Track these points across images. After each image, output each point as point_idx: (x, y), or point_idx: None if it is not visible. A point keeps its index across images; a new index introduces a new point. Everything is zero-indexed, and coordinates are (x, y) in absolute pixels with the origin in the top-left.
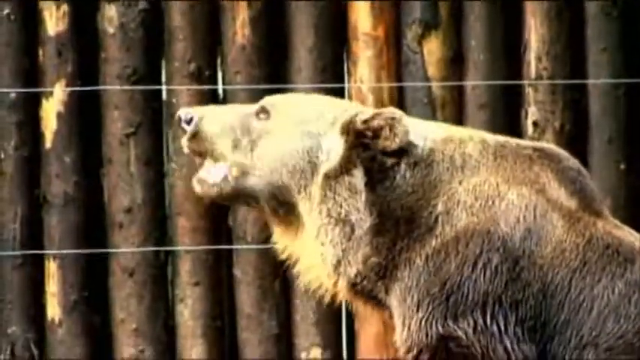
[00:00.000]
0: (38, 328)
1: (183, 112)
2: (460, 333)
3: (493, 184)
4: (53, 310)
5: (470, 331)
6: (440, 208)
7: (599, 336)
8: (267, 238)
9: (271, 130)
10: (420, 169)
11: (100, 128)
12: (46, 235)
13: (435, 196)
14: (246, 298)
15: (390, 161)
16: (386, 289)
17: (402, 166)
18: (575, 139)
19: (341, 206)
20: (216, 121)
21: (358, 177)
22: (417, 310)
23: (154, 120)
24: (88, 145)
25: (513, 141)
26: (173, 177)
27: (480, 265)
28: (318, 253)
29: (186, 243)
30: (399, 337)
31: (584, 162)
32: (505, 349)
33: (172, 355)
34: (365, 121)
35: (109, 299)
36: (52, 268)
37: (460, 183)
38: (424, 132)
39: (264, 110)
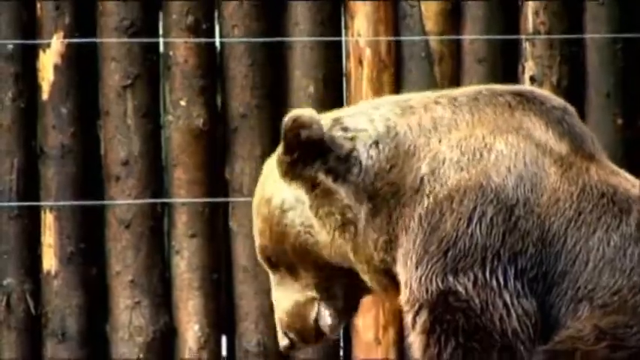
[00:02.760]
0: (34, 279)
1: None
2: (460, 288)
3: (478, 136)
4: (49, 261)
5: (470, 285)
6: (424, 169)
7: (595, 290)
8: None
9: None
10: (385, 144)
11: (97, 80)
12: (43, 187)
13: (417, 160)
14: (243, 250)
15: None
16: (393, 259)
17: (361, 149)
18: (573, 93)
19: (333, 214)
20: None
21: (324, 180)
22: (417, 269)
23: (151, 72)
24: (85, 97)
25: (487, 90)
26: (170, 129)
27: (475, 219)
28: (356, 263)
29: (183, 195)
30: (403, 298)
31: (582, 116)
32: (504, 303)
33: (168, 307)
34: (285, 147)
35: (105, 251)
36: (48, 219)
37: (440, 142)
38: (371, 116)
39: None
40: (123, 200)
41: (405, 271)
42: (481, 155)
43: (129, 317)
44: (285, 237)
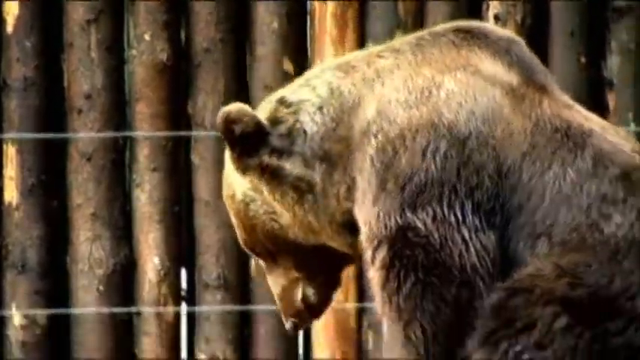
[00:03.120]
0: None
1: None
2: (419, 223)
3: (426, 76)
4: (10, 193)
5: (429, 220)
6: (370, 113)
7: (553, 226)
8: None
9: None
10: (329, 106)
11: (61, 14)
12: (6, 119)
13: (362, 109)
14: (204, 184)
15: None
16: (353, 203)
17: (304, 119)
18: (537, 32)
19: (287, 193)
20: None
21: (270, 162)
22: (374, 206)
23: (115, 6)
24: (49, 31)
25: (429, 34)
26: (133, 63)
27: (428, 154)
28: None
29: (145, 129)
30: (362, 236)
31: (545, 55)
32: (463, 239)
33: (129, 241)
34: (228, 144)
35: (67, 184)
36: (10, 151)
37: (384, 85)
38: (314, 84)
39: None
40: (85, 133)
41: (363, 210)
42: (430, 93)
43: (89, 249)
44: (254, 228)
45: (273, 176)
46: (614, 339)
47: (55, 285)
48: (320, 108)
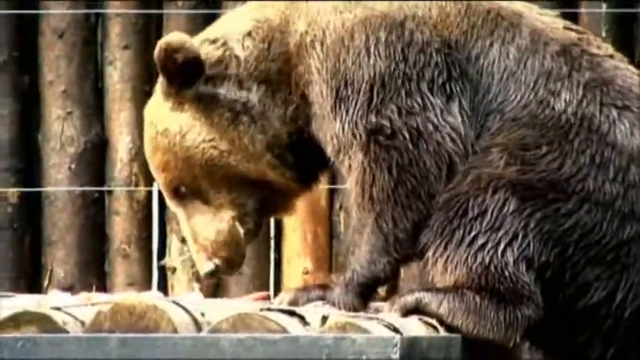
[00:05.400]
0: None
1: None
2: (385, 123)
3: None
4: None
5: (394, 117)
6: (301, 26)
7: (504, 102)
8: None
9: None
10: (257, 30)
11: None
12: None
13: (293, 24)
14: None
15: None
16: (306, 123)
17: (234, 45)
18: None
19: (223, 115)
20: None
21: (206, 90)
22: (336, 119)
23: None
24: None
25: None
26: None
27: (371, 48)
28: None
29: (117, 6)
30: (331, 151)
31: None
32: (433, 124)
33: (100, 118)
34: (167, 78)
35: (39, 60)
36: None
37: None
38: (237, 18)
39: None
40: (57, 10)
41: (325, 126)
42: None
43: (61, 127)
44: (191, 160)
45: (210, 102)
46: (566, 220)
47: (26, 162)
48: (248, 33)
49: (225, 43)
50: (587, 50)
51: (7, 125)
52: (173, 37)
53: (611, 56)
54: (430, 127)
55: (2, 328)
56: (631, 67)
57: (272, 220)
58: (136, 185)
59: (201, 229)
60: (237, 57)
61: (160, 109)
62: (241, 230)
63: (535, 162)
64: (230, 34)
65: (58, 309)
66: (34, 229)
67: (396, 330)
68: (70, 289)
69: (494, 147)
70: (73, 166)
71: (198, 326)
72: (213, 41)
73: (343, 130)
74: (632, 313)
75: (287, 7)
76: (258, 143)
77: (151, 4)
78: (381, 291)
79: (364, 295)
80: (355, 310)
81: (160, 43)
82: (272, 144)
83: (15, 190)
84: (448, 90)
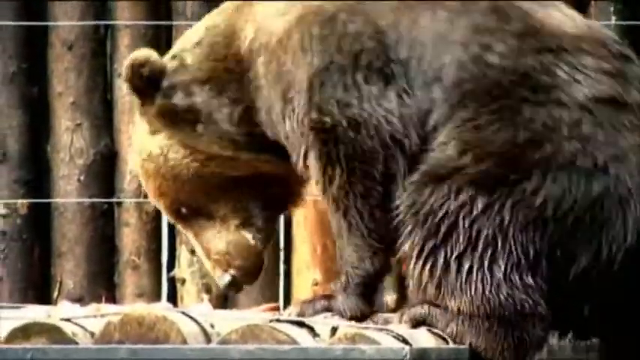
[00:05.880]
0: None
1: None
2: (327, 119)
3: None
4: None
5: (335, 110)
6: (249, 32)
7: (441, 69)
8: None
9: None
10: (206, 38)
11: None
12: None
13: (240, 30)
14: None
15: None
16: (257, 125)
17: (184, 55)
18: None
19: (189, 124)
20: None
21: (166, 104)
22: (284, 119)
23: None
24: None
25: None
26: None
27: (306, 45)
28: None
29: (126, 18)
30: (290, 150)
31: None
32: (367, 112)
33: (109, 129)
34: (140, 97)
35: (48, 72)
36: None
37: (252, 6)
38: (192, 31)
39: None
40: (66, 21)
41: (279, 127)
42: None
43: (70, 139)
44: (179, 178)
45: (171, 116)
46: (535, 198)
47: (35, 174)
48: (198, 43)
49: (179, 56)
50: (518, 5)
51: (17, 136)
52: (138, 52)
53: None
54: (365, 114)
55: (12, 339)
56: (565, 9)
57: (281, 232)
58: (145, 197)
59: (211, 244)
60: (184, 64)
61: (141, 135)
62: (249, 235)
63: (488, 142)
64: (185, 46)
65: (68, 320)
66: (44, 240)
67: (405, 341)
68: (80, 300)
69: (446, 137)
70: (82, 177)
71: (207, 337)
72: (173, 56)
73: (293, 131)
74: (620, 263)
75: (235, 12)
76: (224, 145)
77: (161, 16)
78: (390, 302)
79: (365, 295)
80: (362, 311)
81: (127, 62)
82: (239, 144)
83: (24, 201)
84: (385, 74)
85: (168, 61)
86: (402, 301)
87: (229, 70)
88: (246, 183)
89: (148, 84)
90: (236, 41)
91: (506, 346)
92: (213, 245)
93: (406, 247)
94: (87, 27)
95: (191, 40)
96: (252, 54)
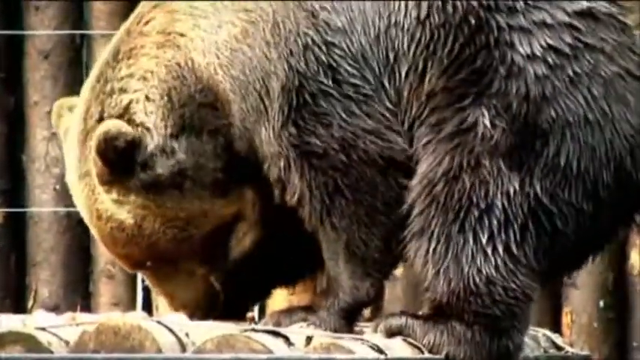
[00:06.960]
0: None
1: None
2: (316, 141)
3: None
4: None
5: (321, 131)
6: (198, 59)
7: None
8: None
9: None
10: (149, 89)
11: None
12: None
13: (189, 65)
14: None
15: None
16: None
17: (139, 118)
18: None
19: (171, 188)
20: None
21: (147, 175)
22: (266, 147)
23: None
24: None
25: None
26: None
27: (272, 71)
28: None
29: (103, 27)
30: (272, 176)
31: None
32: (353, 132)
33: None
34: (112, 169)
35: (24, 81)
36: None
37: (195, 28)
38: (116, 88)
39: None
40: (43, 31)
41: (254, 136)
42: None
43: (45, 148)
44: (155, 245)
45: (157, 188)
46: (558, 158)
47: (11, 183)
48: (146, 98)
49: (130, 119)
50: None
51: None
52: (110, 124)
53: None
54: (351, 135)
55: None
56: None
57: None
58: None
59: (176, 293)
60: (147, 129)
61: (102, 203)
62: (217, 284)
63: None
64: (131, 106)
65: (43, 329)
66: (19, 249)
67: (380, 351)
68: (55, 309)
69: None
70: (58, 186)
71: (182, 346)
72: (120, 116)
73: (273, 160)
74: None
75: (166, 46)
76: (208, 198)
77: None
78: (366, 311)
79: (348, 318)
80: (338, 332)
81: (98, 134)
82: (214, 185)
83: (0, 210)
84: (357, 85)
85: (115, 127)
86: (377, 311)
87: (202, 102)
88: (214, 235)
89: (124, 157)
90: (192, 74)
91: (486, 355)
92: (178, 294)
93: (416, 227)
94: (63, 36)
95: (133, 95)
96: (210, 78)
